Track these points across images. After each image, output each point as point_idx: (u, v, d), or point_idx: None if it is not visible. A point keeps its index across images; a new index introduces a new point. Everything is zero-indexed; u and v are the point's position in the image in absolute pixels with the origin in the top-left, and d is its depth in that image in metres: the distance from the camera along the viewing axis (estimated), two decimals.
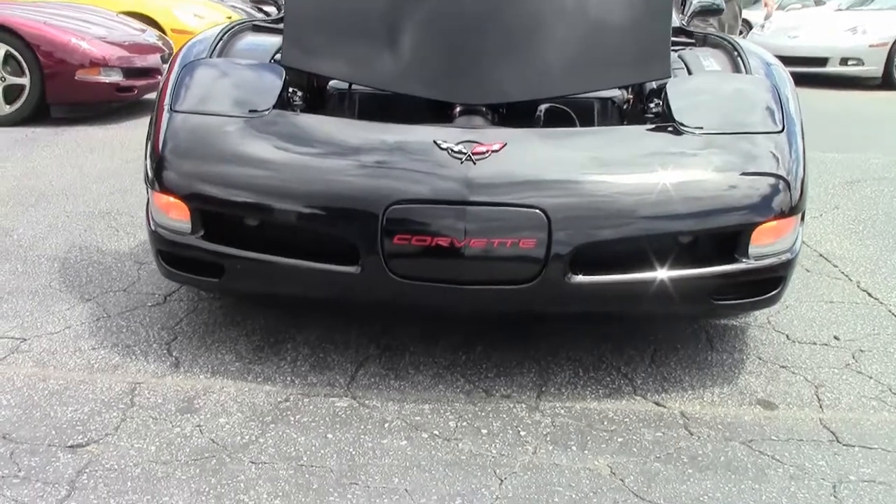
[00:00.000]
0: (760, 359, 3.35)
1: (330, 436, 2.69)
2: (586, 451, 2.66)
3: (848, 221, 5.39)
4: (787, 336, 3.57)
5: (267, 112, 3.12)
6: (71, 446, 2.58)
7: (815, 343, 3.52)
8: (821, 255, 4.67)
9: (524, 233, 2.80)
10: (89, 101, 7.79)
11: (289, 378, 3.06)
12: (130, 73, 7.87)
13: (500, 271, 2.85)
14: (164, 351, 3.25)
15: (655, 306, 3.04)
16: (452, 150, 2.90)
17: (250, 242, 3.02)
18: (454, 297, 2.89)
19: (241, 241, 3.03)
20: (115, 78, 7.71)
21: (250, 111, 3.10)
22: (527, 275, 2.83)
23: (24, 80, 7.37)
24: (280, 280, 3.03)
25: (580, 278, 2.85)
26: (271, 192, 2.94)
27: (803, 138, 3.14)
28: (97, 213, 5.00)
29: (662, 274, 2.90)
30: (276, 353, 3.24)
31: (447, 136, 2.98)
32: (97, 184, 5.67)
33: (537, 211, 2.80)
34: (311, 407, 2.87)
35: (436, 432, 2.73)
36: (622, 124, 3.53)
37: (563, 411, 2.89)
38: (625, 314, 3.32)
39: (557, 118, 3.38)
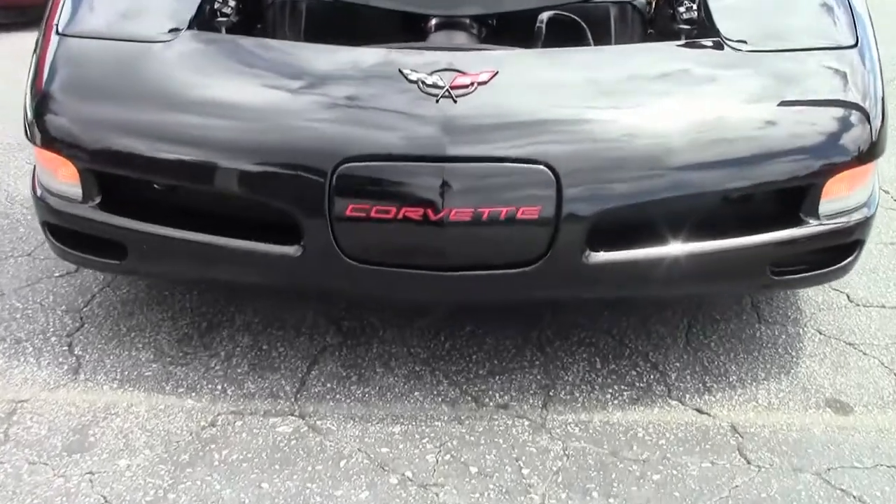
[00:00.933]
0: (821, 333, 2.59)
1: (265, 485, 1.95)
2: (611, 500, 1.94)
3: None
4: (848, 297, 2.81)
5: (181, 33, 2.25)
6: None
7: (884, 306, 2.77)
8: None
9: (524, 197, 1.97)
10: (23, 3, 6.75)
11: (220, 386, 2.30)
12: None
13: (492, 251, 2.04)
14: (65, 347, 2.47)
15: (698, 285, 2.26)
16: (424, 83, 2.05)
17: (159, 214, 2.20)
18: (430, 287, 2.09)
19: (148, 211, 2.21)
20: None
21: (168, 31, 2.24)
22: (529, 254, 2.03)
23: None
24: (199, 263, 2.21)
25: (601, 256, 2.05)
26: (185, 146, 2.08)
27: (878, 53, 2.30)
28: (16, 145, 4.11)
29: (707, 244, 2.10)
30: (207, 346, 2.47)
31: (418, 61, 2.11)
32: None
33: (541, 167, 1.97)
34: (245, 434, 2.12)
35: (408, 474, 1.98)
36: (646, 38, 2.65)
37: (577, 429, 2.15)
38: (659, 298, 2.55)
39: (564, 33, 2.49)
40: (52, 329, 2.55)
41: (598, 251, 2.05)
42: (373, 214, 1.99)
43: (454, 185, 1.96)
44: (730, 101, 2.13)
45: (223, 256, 2.14)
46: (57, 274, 2.86)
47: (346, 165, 1.98)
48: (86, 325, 2.57)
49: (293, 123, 2.04)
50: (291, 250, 2.07)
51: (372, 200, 1.98)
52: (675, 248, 2.08)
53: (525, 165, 1.98)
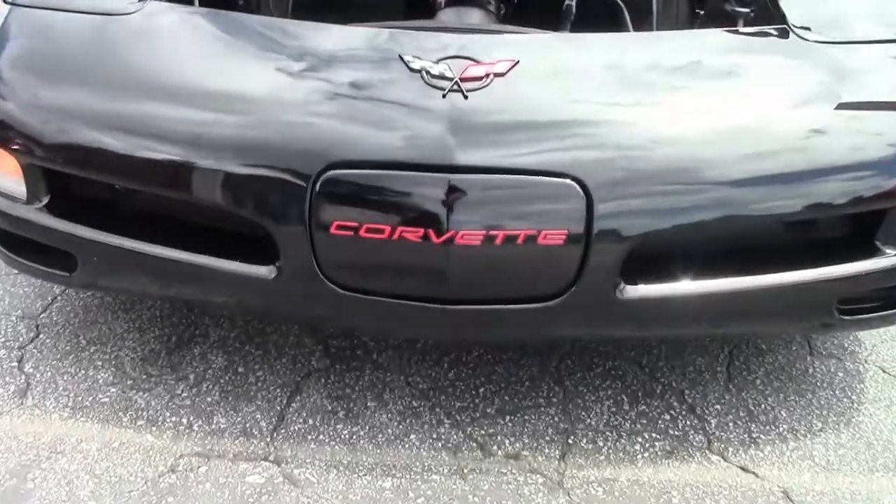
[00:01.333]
0: (884, 371, 2.22)
1: None
2: None
3: None
4: None
5: (146, 4, 1.89)
6: None
7: None
8: None
9: (548, 217, 1.60)
10: None
11: (185, 419, 1.97)
12: None
13: (506, 282, 1.67)
14: (14, 363, 2.14)
15: (752, 325, 1.88)
16: (429, 73, 1.67)
17: (114, 221, 1.84)
18: (431, 322, 1.73)
19: (101, 218, 1.86)
20: None
21: (131, 1, 1.87)
22: (551, 287, 1.66)
23: None
24: (159, 280, 1.86)
25: (638, 290, 1.68)
26: (140, 140, 1.70)
27: None
28: None
29: (764, 278, 1.73)
30: (175, 367, 2.13)
31: (423, 45, 1.73)
32: None
33: (569, 181, 1.59)
34: (208, 485, 1.78)
35: None
36: (694, 22, 2.23)
37: (601, 490, 1.80)
38: (704, 336, 2.18)
39: (597, 13, 2.09)
40: (1, 339, 2.22)
41: (634, 284, 1.68)
42: (362, 233, 1.62)
43: (462, 201, 1.59)
44: (799, 104, 1.74)
45: (186, 274, 1.78)
46: (16, 271, 2.53)
47: (331, 173, 1.61)
48: (41, 336, 2.23)
49: (269, 118, 1.67)
50: (264, 271, 1.71)
51: (362, 216, 1.61)
52: (727, 283, 1.71)
53: (549, 179, 1.60)
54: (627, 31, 2.07)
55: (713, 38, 1.90)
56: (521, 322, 1.71)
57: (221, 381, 2.08)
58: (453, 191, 1.59)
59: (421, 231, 1.60)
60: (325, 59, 1.75)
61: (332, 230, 1.63)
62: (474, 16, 2.02)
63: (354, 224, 1.62)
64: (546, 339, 2.00)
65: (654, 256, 1.69)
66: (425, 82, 1.66)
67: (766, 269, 1.72)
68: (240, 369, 2.12)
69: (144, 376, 2.10)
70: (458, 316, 1.69)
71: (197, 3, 2.02)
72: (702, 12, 2.24)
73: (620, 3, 2.07)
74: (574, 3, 2.04)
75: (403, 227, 1.61)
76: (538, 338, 1.91)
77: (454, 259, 1.61)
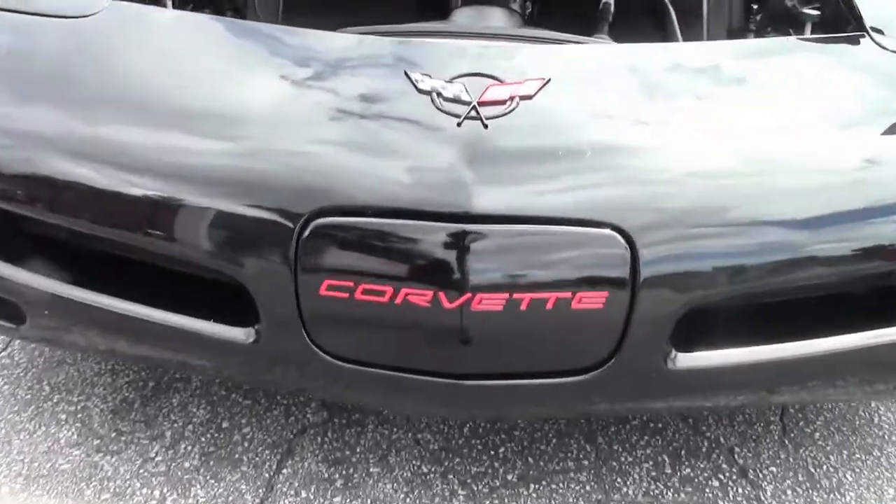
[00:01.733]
0: None
1: None
2: None
3: None
4: None
5: (107, 5, 1.56)
6: None
7: None
8: None
9: (584, 277, 1.28)
10: None
11: (158, 491, 1.67)
12: None
13: (532, 353, 1.37)
14: None
15: (823, 391, 1.58)
16: (441, 95, 1.35)
17: (63, 265, 1.55)
18: (443, 399, 1.41)
19: (49, 262, 1.56)
20: None
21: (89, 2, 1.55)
22: (587, 358, 1.35)
23: None
24: (123, 339, 1.57)
25: (694, 358, 1.37)
26: (93, 168, 1.38)
27: None
28: None
29: (844, 339, 1.42)
30: (150, 422, 1.84)
31: (433, 57, 1.41)
32: None
33: (610, 231, 1.29)
34: None
35: None
36: (750, 21, 1.88)
37: None
38: (770, 404, 1.88)
39: (639, 14, 1.76)
40: None
41: (689, 350, 1.38)
42: (359, 295, 1.31)
43: (481, 257, 1.28)
44: (888, 130, 1.43)
45: (153, 333, 1.49)
46: None
47: (321, 220, 1.30)
48: None
49: (244, 148, 1.35)
50: (240, 334, 1.41)
51: (357, 275, 1.31)
52: (805, 346, 1.39)
53: (586, 229, 1.28)
54: (674, 33, 1.73)
55: (790, 48, 1.56)
56: (549, 398, 1.41)
57: (202, 439, 1.80)
58: (470, 244, 1.28)
59: (430, 294, 1.29)
60: (314, 75, 1.43)
61: (322, 291, 1.32)
62: (495, 17, 1.68)
63: (349, 284, 1.31)
64: (580, 415, 1.70)
65: (713, 318, 1.39)
66: (437, 107, 1.34)
67: (856, 326, 1.42)
68: (224, 424, 1.84)
69: (114, 434, 1.81)
70: (475, 392, 1.38)
71: (170, 4, 1.70)
72: (758, 10, 1.89)
73: (667, 2, 1.73)
74: (612, 1, 1.69)
75: (409, 290, 1.30)
76: (568, 415, 1.62)
77: (470, 328, 1.31)
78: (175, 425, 1.83)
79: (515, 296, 1.29)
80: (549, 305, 1.29)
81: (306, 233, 1.31)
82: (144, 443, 1.79)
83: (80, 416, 1.86)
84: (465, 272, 1.28)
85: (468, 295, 1.28)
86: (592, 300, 1.29)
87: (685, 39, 1.73)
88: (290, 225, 1.31)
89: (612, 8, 1.70)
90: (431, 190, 1.29)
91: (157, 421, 1.85)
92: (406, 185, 1.31)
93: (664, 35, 1.76)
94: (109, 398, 1.91)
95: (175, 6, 1.72)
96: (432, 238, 1.29)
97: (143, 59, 1.51)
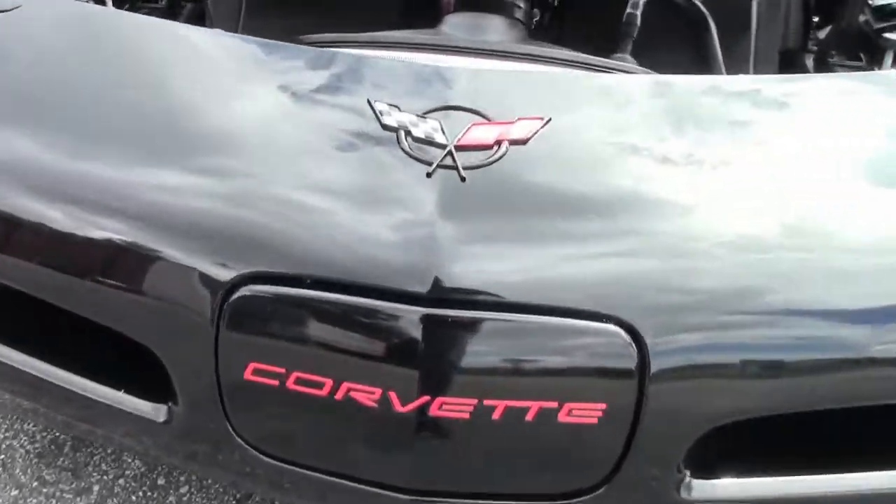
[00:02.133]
0: None
1: None
2: None
3: None
4: None
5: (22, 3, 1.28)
6: None
7: None
8: None
9: (577, 383, 1.00)
10: None
11: None
12: None
13: (505, 473, 1.08)
14: None
15: None
16: (411, 134, 1.05)
17: None
18: None
19: None
20: None
21: None
22: (576, 480, 1.06)
23: None
24: (29, 397, 1.31)
25: (715, 487, 1.07)
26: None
27: None
28: None
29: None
30: (78, 471, 1.57)
31: (404, 81, 1.11)
32: None
33: (613, 326, 0.97)
34: None
35: None
36: (810, 39, 1.52)
37: None
38: None
39: (671, 28, 1.43)
40: None
41: (708, 476, 1.08)
42: (291, 385, 1.03)
43: (444, 351, 0.99)
44: None
45: (66, 398, 1.22)
46: None
47: (248, 288, 1.01)
48: None
49: (157, 192, 1.07)
50: (149, 409, 1.14)
51: (291, 359, 1.02)
52: (863, 480, 1.09)
53: (581, 322, 0.98)
54: (714, 52, 1.40)
55: (852, 90, 1.22)
56: None
57: (133, 498, 1.55)
58: (430, 333, 0.99)
59: (378, 392, 1.00)
60: (247, 94, 1.14)
61: (248, 375, 1.04)
62: (493, 27, 1.35)
63: (279, 371, 1.03)
64: None
65: (736, 435, 1.09)
66: (403, 150, 1.04)
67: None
68: (160, 481, 1.58)
69: (35, 483, 1.56)
70: None
71: (110, 2, 1.42)
72: (817, 19, 1.55)
73: (704, 9, 1.40)
74: (639, 12, 1.36)
75: (352, 384, 1.01)
76: None
77: (428, 437, 1.02)
78: (105, 477, 1.58)
79: (486, 402, 0.99)
80: (530, 416, 0.99)
81: (231, 301, 1.02)
82: (68, 497, 1.54)
83: (2, 457, 1.61)
84: (422, 368, 0.99)
85: (426, 398, 0.99)
86: (585, 413, 1.00)
87: (727, 61, 1.40)
88: (212, 290, 1.03)
89: (639, 19, 1.36)
90: (386, 260, 1.00)
91: (87, 471, 1.59)
92: (355, 250, 1.01)
93: (701, 54, 1.43)
94: (38, 437, 1.66)
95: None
96: (383, 322, 1.00)
97: (55, 68, 1.23)
